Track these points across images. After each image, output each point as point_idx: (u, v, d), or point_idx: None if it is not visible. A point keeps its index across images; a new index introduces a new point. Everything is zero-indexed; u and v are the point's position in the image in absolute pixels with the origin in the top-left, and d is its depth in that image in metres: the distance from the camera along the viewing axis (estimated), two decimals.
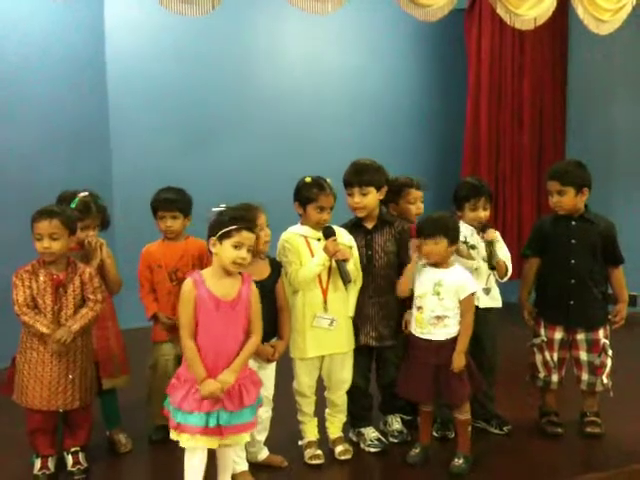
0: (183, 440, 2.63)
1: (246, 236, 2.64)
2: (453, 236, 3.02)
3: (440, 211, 3.16)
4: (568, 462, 3.20)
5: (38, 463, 3.01)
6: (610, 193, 5.74)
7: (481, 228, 3.30)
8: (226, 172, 5.52)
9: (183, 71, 5.56)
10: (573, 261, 3.34)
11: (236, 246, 2.63)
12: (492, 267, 3.23)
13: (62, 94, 4.78)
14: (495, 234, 3.27)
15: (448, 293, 3.00)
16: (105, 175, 5.18)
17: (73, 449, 3.07)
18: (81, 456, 3.08)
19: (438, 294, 3.00)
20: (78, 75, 4.90)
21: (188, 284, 2.66)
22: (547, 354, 3.40)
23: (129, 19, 5.36)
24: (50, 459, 3.03)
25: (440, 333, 3.00)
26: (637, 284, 5.56)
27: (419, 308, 3.05)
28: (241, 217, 2.69)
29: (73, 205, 3.08)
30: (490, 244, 3.23)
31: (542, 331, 3.42)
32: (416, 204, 3.50)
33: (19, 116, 4.55)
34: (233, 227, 2.63)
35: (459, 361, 2.96)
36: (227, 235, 2.63)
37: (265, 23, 5.80)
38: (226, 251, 2.63)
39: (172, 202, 3.30)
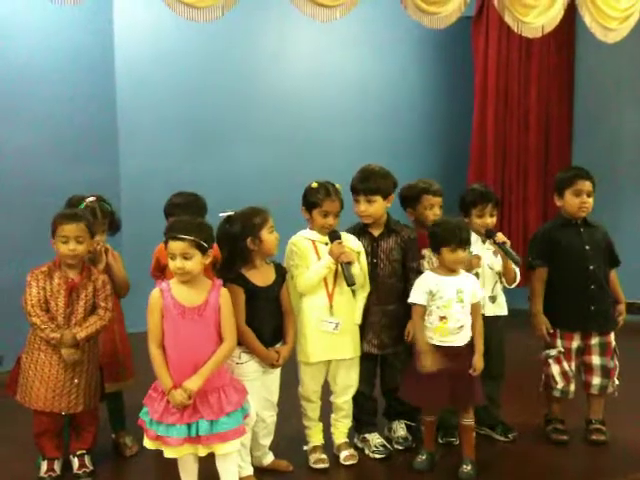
0: (167, 452, 2.67)
1: (172, 245, 2.64)
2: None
3: (451, 217, 3.19)
4: (574, 469, 3.20)
5: (44, 466, 3.02)
6: (616, 199, 5.74)
7: (485, 234, 3.31)
8: (234, 175, 5.54)
9: (191, 74, 5.58)
10: (591, 267, 3.33)
11: (171, 257, 2.66)
12: (517, 263, 3.25)
13: (70, 96, 4.80)
14: (504, 237, 3.29)
15: (468, 300, 3.03)
16: (112, 178, 5.19)
17: (79, 452, 3.08)
18: (87, 459, 3.09)
19: (462, 301, 3.01)
20: (86, 77, 4.92)
21: (155, 293, 2.68)
22: (565, 364, 3.35)
23: (138, 22, 5.39)
24: (56, 462, 3.04)
25: (460, 340, 3.02)
26: None
27: (442, 318, 3.01)
28: (169, 227, 2.73)
29: None
30: (503, 246, 3.23)
31: (558, 342, 3.37)
32: (432, 210, 3.45)
33: (27, 118, 4.57)
34: (165, 239, 2.68)
35: (481, 364, 3.02)
36: (166, 248, 2.69)
37: (272, 27, 5.82)
38: (168, 263, 2.69)
39: (180, 207, 3.31)
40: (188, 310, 2.65)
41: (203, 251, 2.67)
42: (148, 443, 2.71)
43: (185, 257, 2.63)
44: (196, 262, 2.65)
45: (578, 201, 3.35)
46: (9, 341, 3.43)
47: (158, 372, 2.65)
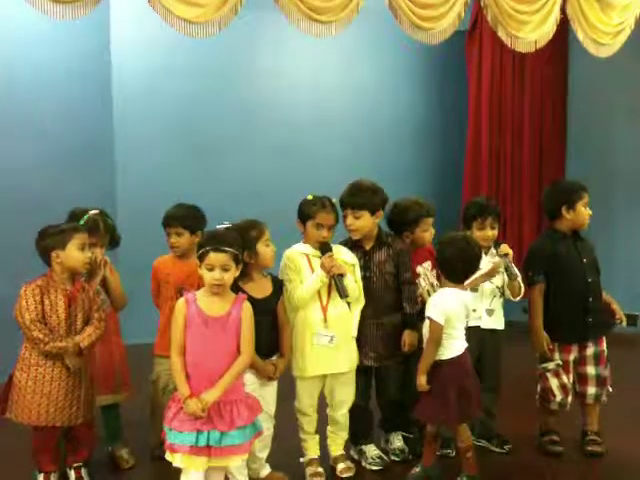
0: (176, 460, 2.63)
1: (214, 258, 2.62)
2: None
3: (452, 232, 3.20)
4: None
5: (41, 478, 3.02)
6: (610, 211, 5.76)
7: (494, 246, 3.33)
8: (231, 187, 5.54)
9: (187, 88, 5.61)
10: (590, 279, 3.37)
11: (209, 268, 2.64)
12: (515, 277, 3.25)
13: (66, 111, 4.83)
14: (509, 249, 3.30)
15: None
16: (110, 190, 5.21)
17: (76, 464, 3.08)
18: (83, 472, 3.09)
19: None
20: (84, 91, 4.94)
21: (180, 302, 2.69)
22: (564, 377, 3.35)
23: (135, 36, 5.42)
24: (52, 475, 3.03)
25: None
26: (638, 304, 5.60)
27: None
28: (210, 238, 2.70)
29: (82, 222, 3.12)
30: (504, 258, 3.24)
31: (557, 355, 3.37)
32: (429, 230, 3.46)
33: (26, 132, 4.59)
34: (203, 250, 2.65)
35: (418, 380, 2.97)
36: (201, 258, 2.66)
37: (269, 41, 5.87)
38: (203, 274, 2.66)
39: (176, 219, 3.32)
40: (211, 320, 2.65)
41: (237, 263, 2.68)
42: (168, 455, 2.66)
43: (225, 269, 2.63)
44: (231, 274, 2.66)
45: (587, 212, 3.40)
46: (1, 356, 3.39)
47: (177, 379, 2.64)
